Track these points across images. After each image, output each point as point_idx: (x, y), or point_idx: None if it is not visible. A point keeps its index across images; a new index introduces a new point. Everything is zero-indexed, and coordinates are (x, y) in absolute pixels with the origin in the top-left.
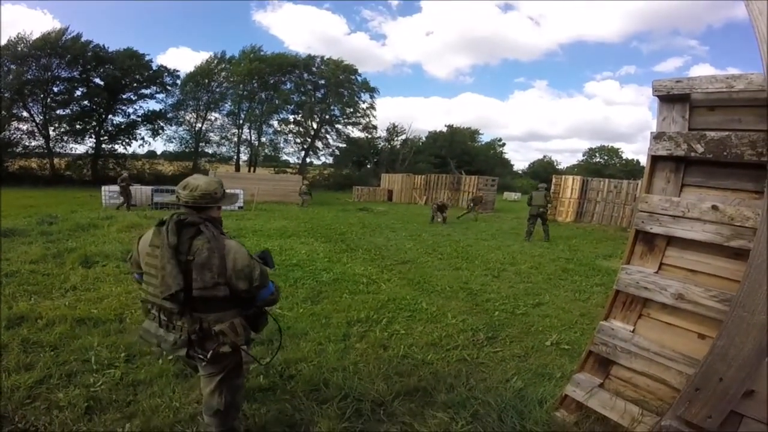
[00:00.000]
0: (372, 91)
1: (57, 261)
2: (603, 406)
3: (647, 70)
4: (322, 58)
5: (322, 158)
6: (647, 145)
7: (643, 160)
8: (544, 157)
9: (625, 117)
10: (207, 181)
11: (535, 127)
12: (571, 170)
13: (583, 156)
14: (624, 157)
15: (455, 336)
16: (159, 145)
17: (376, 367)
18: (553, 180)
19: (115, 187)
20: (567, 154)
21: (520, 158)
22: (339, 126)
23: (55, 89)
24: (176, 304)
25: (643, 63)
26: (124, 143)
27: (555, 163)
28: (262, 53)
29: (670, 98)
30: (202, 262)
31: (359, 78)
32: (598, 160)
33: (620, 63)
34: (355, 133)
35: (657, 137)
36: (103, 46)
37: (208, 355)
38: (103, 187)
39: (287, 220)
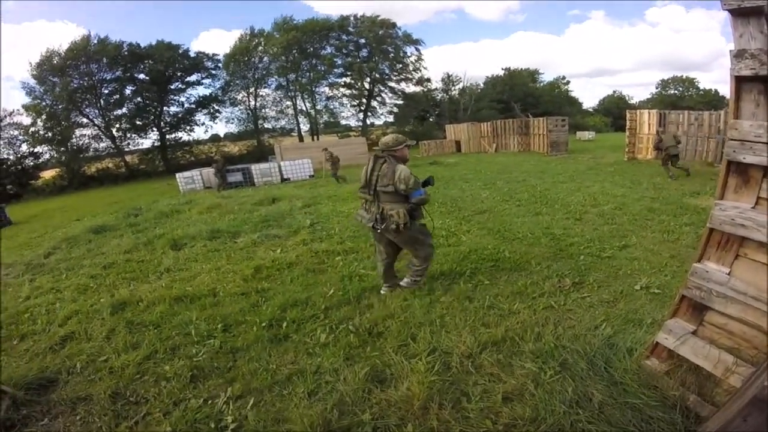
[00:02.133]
0: (416, 43)
1: (148, 248)
2: (696, 354)
3: None
4: (356, 16)
5: (382, 118)
6: (724, 74)
7: (723, 90)
8: (614, 92)
9: (697, 44)
10: (387, 138)
11: (601, 62)
12: (645, 105)
13: (656, 88)
14: (701, 87)
15: (541, 283)
16: (221, 128)
17: (462, 319)
18: (628, 115)
19: (189, 173)
20: (639, 88)
21: (590, 95)
22: (391, 83)
23: (105, 92)
24: (368, 194)
25: None
26: (186, 131)
27: (627, 98)
28: (294, 22)
29: (743, 12)
30: (383, 174)
31: (400, 31)
32: (672, 92)
33: None
34: (410, 88)
35: (737, 55)
36: (137, 43)
37: (383, 226)
38: (177, 175)
39: (359, 182)
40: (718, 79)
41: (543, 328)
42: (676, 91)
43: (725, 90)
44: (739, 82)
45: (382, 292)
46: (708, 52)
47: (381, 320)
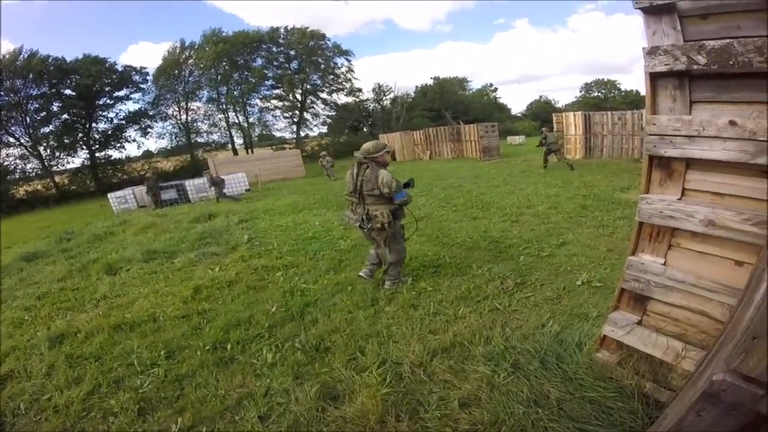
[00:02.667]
0: (346, 54)
1: (83, 274)
2: (644, 343)
3: None
4: (286, 28)
5: (316, 129)
6: (644, 76)
7: (643, 90)
8: (541, 97)
9: (618, 48)
10: (368, 145)
11: (527, 69)
12: (570, 107)
13: (581, 92)
14: (623, 89)
15: (483, 286)
16: (153, 144)
17: (408, 328)
18: (554, 118)
19: (121, 193)
20: (565, 92)
21: (517, 101)
22: (323, 95)
23: (31, 108)
24: (354, 198)
25: None
26: (117, 148)
27: (553, 102)
28: (223, 34)
29: (654, 10)
30: (366, 179)
31: (330, 42)
32: (596, 94)
33: None
34: (342, 99)
35: (650, 52)
36: (63, 57)
37: (369, 225)
38: (109, 195)
39: (295, 194)
40: (638, 81)
41: (491, 331)
42: (599, 94)
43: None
44: (654, 78)
45: (361, 275)
46: (629, 55)
47: (327, 335)
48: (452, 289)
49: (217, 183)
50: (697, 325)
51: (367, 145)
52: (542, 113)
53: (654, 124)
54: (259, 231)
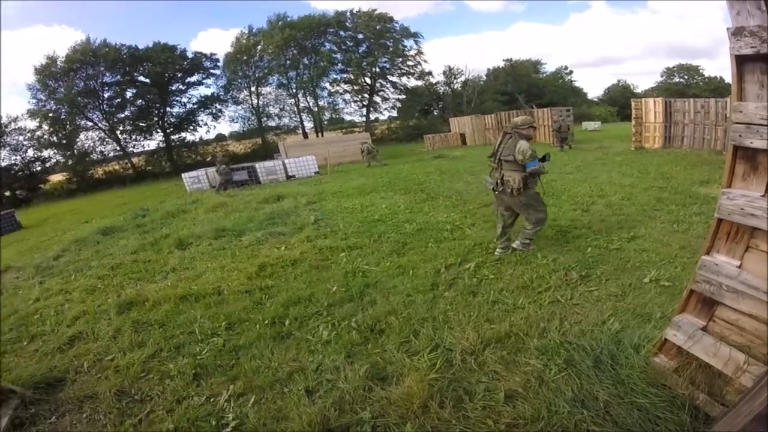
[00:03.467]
0: (415, 36)
1: (155, 248)
2: (706, 351)
3: None
4: (352, 11)
5: (386, 113)
6: (728, 61)
7: (728, 77)
8: (619, 81)
9: (700, 31)
10: (517, 119)
11: (604, 51)
12: (650, 93)
13: (661, 77)
14: (706, 75)
15: (547, 277)
16: (225, 128)
17: (465, 315)
18: (633, 104)
19: (194, 173)
20: (644, 76)
21: (593, 85)
22: (393, 78)
23: (107, 95)
24: (493, 163)
25: None
26: (190, 131)
27: (632, 87)
28: (289, 19)
29: None
30: (507, 146)
31: (398, 25)
32: (678, 80)
33: None
34: (412, 82)
35: (736, 33)
36: (135, 46)
37: (501, 188)
38: (183, 175)
39: (364, 177)
40: (722, 66)
41: (548, 324)
42: (681, 79)
43: (730, 77)
44: (741, 61)
45: (496, 253)
46: (711, 38)
47: (383, 316)
48: (514, 277)
49: (220, 171)
50: (763, 336)
51: (516, 119)
52: (620, 98)
53: (740, 112)
54: (326, 212)
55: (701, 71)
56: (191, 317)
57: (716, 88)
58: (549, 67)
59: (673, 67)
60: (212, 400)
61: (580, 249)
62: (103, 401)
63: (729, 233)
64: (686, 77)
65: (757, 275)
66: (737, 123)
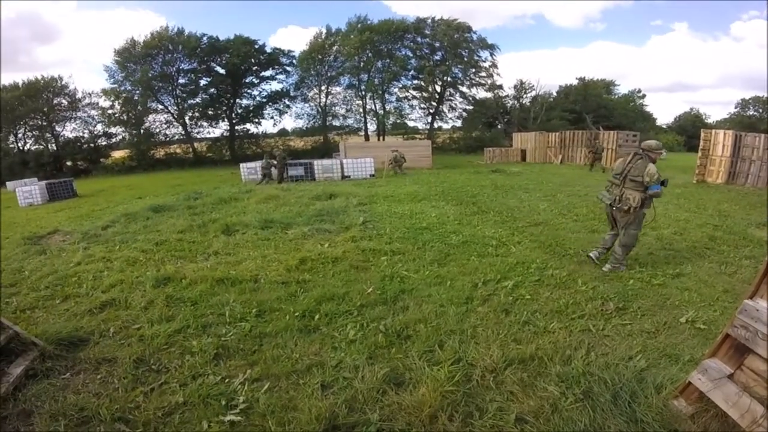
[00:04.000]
0: (491, 48)
1: (201, 230)
2: (726, 400)
3: None
4: (433, 19)
5: (450, 122)
6: None
7: None
8: (691, 109)
9: None
10: (651, 142)
11: (680, 76)
12: (721, 124)
13: (736, 108)
14: None
15: (583, 304)
16: (289, 122)
17: (494, 332)
18: (702, 135)
19: (252, 164)
20: (718, 106)
21: (665, 111)
22: (463, 88)
23: (181, 81)
24: (617, 180)
25: None
26: (254, 123)
27: (703, 117)
28: (368, 22)
29: None
30: (636, 166)
31: (475, 36)
32: (752, 113)
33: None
34: (481, 93)
35: None
36: (216, 36)
37: (619, 205)
38: (241, 165)
39: (418, 185)
40: None
41: (575, 352)
42: (756, 112)
43: None
44: None
45: (590, 255)
46: None
47: (412, 323)
48: (550, 301)
49: (274, 165)
50: None
51: (650, 142)
52: (689, 127)
53: None
54: (375, 215)
55: None
56: (224, 300)
57: None
58: (622, 89)
59: (749, 99)
60: (227, 380)
61: (621, 280)
62: (121, 366)
63: None
64: (761, 111)
65: None
66: None
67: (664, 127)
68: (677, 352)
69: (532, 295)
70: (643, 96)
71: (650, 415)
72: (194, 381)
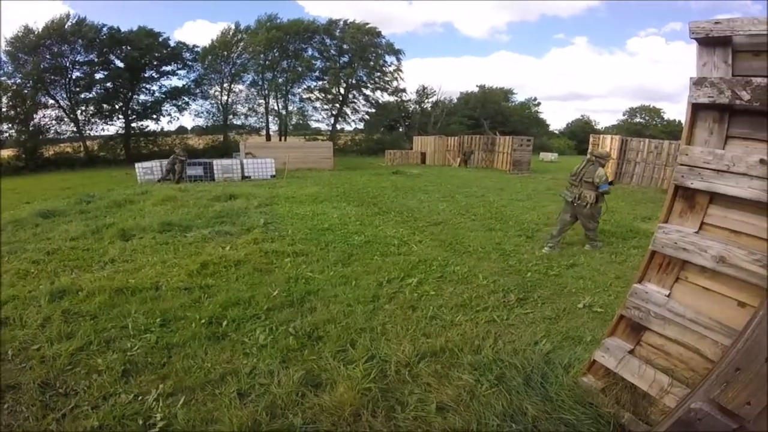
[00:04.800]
0: (397, 53)
1: (96, 236)
2: (632, 373)
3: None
4: (345, 21)
5: (352, 124)
6: None
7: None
8: (582, 116)
9: (671, 76)
10: (602, 151)
11: (575, 87)
12: (610, 130)
13: (624, 116)
14: (666, 118)
15: (486, 297)
16: (188, 120)
17: (403, 328)
18: (591, 140)
19: (148, 164)
20: (607, 114)
21: (559, 118)
22: (367, 91)
23: (76, 74)
24: (575, 182)
25: (691, 19)
26: (152, 120)
27: (593, 123)
28: (279, 21)
29: (709, 41)
30: (588, 170)
31: (383, 40)
32: (638, 120)
33: (666, 19)
34: (384, 97)
35: (697, 83)
36: (117, 27)
37: (578, 201)
38: (136, 164)
39: (319, 186)
40: (682, 111)
41: (483, 342)
42: (642, 120)
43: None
44: (696, 109)
45: (544, 250)
46: (680, 83)
47: (322, 324)
48: (454, 295)
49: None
50: (687, 362)
51: (601, 151)
52: (580, 133)
53: (686, 155)
54: (276, 216)
55: (661, 114)
56: (125, 311)
57: (672, 131)
58: (519, 97)
59: (636, 107)
60: (140, 398)
61: (520, 273)
62: (26, 392)
63: (661, 265)
64: (646, 118)
65: (684, 304)
66: (681, 165)
67: (557, 132)
68: (579, 334)
69: (436, 291)
70: (538, 104)
71: (563, 392)
72: (106, 402)
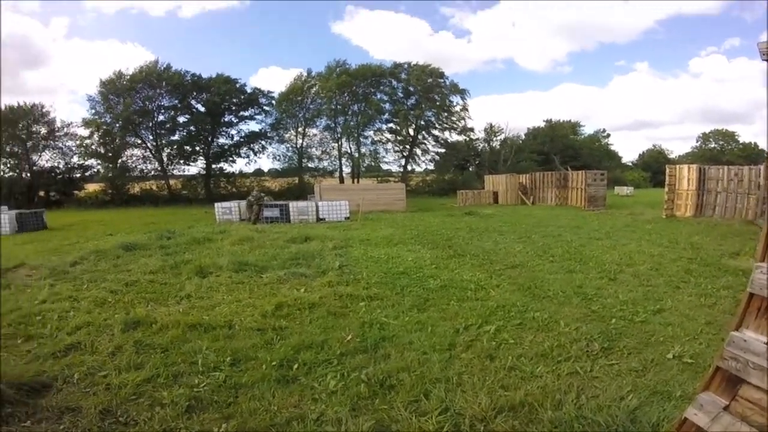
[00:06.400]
0: (462, 93)
1: (174, 271)
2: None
3: (754, 41)
4: (409, 64)
5: (423, 165)
6: (765, 126)
7: (762, 143)
8: (654, 146)
9: (738, 94)
10: None
11: (642, 115)
12: (684, 159)
13: (697, 142)
14: (741, 141)
15: (567, 346)
16: (266, 162)
17: (480, 379)
18: (667, 170)
19: (227, 204)
20: (679, 141)
21: (629, 149)
22: (435, 132)
23: (161, 117)
24: None
25: (748, 33)
26: (230, 162)
27: (666, 152)
28: (347, 66)
29: None
30: None
31: (447, 81)
32: (713, 145)
33: (723, 35)
34: (453, 137)
35: None
36: (199, 74)
37: None
38: (216, 204)
39: (393, 227)
40: (758, 132)
41: (565, 396)
42: (716, 145)
43: (765, 143)
44: None
45: None
46: (749, 102)
47: (396, 372)
48: (534, 344)
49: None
50: None
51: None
52: (653, 163)
53: None
54: (351, 259)
55: (736, 137)
56: (196, 347)
57: (750, 155)
58: (587, 129)
59: (709, 132)
60: None
61: (604, 319)
62: (86, 417)
63: (759, 308)
64: (721, 143)
65: None
66: None
67: (630, 164)
68: (668, 388)
69: (515, 339)
70: (608, 135)
71: None
72: None
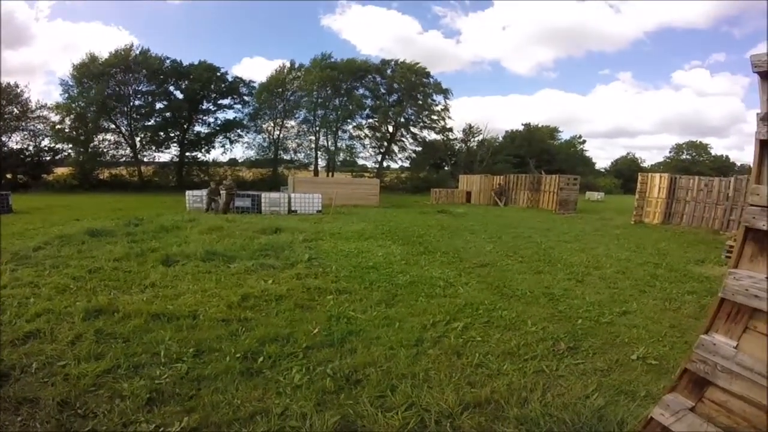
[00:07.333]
0: (445, 92)
1: (139, 259)
2: None
3: (739, 57)
4: (396, 61)
5: (399, 162)
6: (739, 140)
7: (734, 156)
8: (628, 154)
9: (717, 109)
10: None
11: (621, 123)
12: (656, 168)
13: (670, 152)
14: (713, 153)
15: (534, 345)
16: (239, 152)
17: (447, 375)
18: (639, 178)
19: (199, 192)
20: (654, 150)
21: (604, 156)
22: (414, 129)
23: (137, 102)
24: None
25: (735, 49)
26: (204, 151)
27: (639, 161)
28: (332, 60)
29: None
30: None
31: (431, 80)
32: (685, 156)
33: (709, 50)
34: (431, 135)
35: (765, 118)
36: (180, 61)
37: None
38: (187, 192)
39: (365, 222)
40: (731, 145)
41: (531, 393)
42: (689, 156)
43: (737, 156)
44: (764, 146)
45: None
46: (727, 116)
47: (362, 367)
48: (501, 342)
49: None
50: (750, 419)
51: None
52: (626, 171)
53: (756, 195)
54: (321, 252)
55: (709, 149)
56: (159, 337)
57: (720, 167)
58: (564, 135)
59: (683, 143)
60: (162, 429)
61: (570, 320)
62: (44, 408)
63: (729, 313)
64: (693, 154)
65: (752, 357)
66: (752, 205)
67: (603, 170)
68: (633, 388)
69: (482, 336)
70: (583, 141)
71: None
72: (125, 429)
